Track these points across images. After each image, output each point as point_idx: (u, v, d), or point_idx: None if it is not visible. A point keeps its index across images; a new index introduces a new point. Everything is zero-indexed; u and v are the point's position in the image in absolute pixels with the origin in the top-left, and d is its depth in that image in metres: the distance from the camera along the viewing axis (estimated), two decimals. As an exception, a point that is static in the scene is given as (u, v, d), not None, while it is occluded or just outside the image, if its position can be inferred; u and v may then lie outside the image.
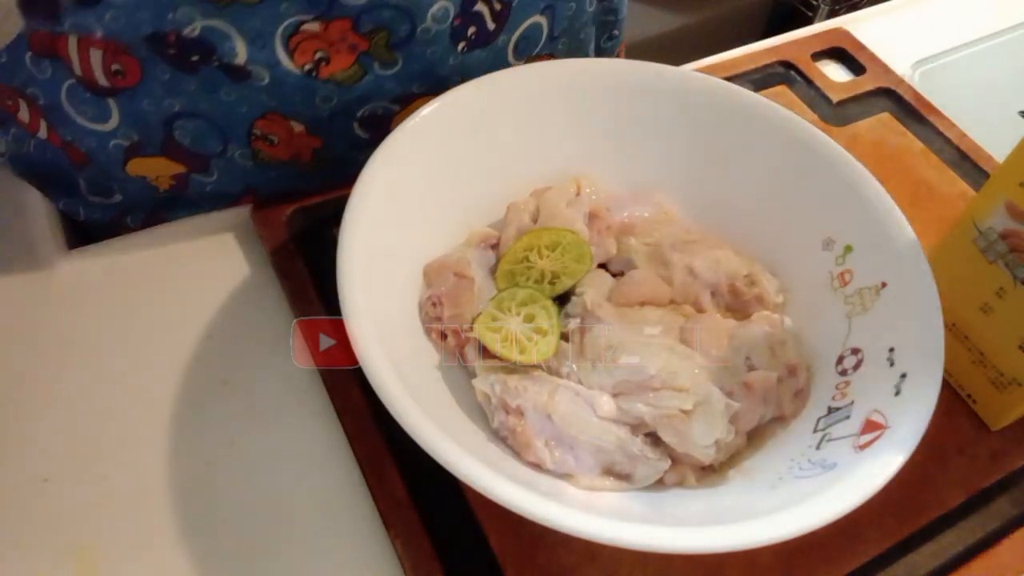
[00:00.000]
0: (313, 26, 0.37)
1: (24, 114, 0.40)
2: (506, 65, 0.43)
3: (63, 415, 0.37)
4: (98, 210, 0.45)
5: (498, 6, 0.41)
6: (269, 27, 0.36)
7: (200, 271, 0.43)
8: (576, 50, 0.50)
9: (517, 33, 0.43)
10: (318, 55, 0.38)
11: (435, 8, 0.38)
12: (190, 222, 0.45)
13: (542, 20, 0.44)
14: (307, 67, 0.38)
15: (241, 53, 0.37)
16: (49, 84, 0.38)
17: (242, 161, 0.42)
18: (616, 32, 0.54)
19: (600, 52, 0.55)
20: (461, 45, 0.41)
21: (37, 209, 0.45)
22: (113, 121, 0.39)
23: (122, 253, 0.43)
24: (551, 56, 0.48)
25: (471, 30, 0.41)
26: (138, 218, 0.46)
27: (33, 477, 0.35)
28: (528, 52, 0.46)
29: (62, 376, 0.39)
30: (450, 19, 0.39)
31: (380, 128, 0.36)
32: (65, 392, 0.38)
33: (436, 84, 0.42)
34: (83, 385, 0.38)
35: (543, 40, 0.46)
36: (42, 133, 0.40)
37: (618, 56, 0.57)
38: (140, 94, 0.38)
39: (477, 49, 0.42)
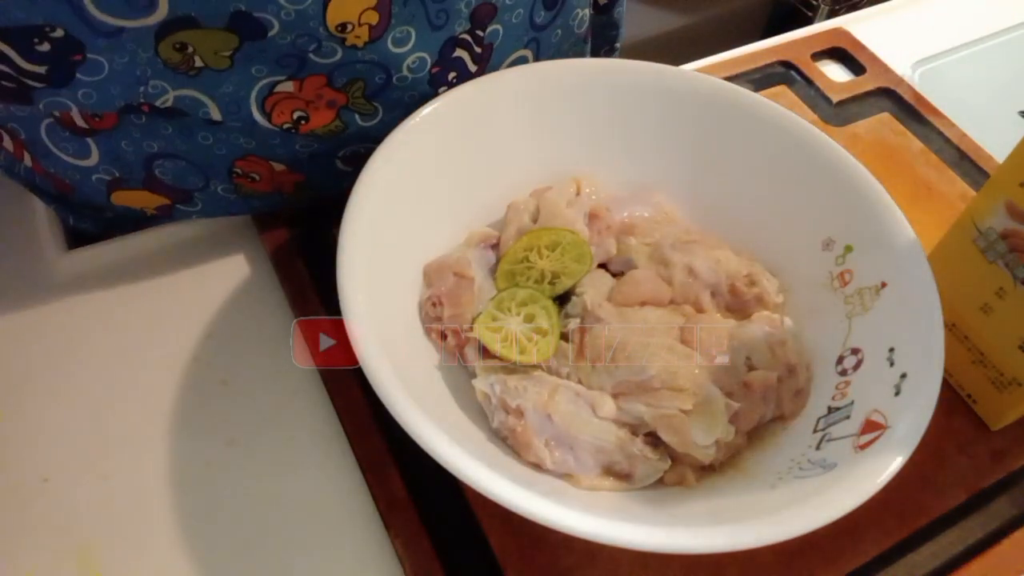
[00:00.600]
0: (287, 86, 0.36)
1: (8, 144, 0.40)
2: None
3: (63, 415, 0.37)
4: (88, 221, 0.45)
5: (479, 49, 0.40)
6: (242, 91, 0.36)
7: (200, 271, 0.43)
8: None
9: (502, 67, 0.43)
10: (296, 115, 0.37)
11: (410, 60, 0.37)
12: (190, 223, 0.45)
13: (527, 53, 0.43)
14: (286, 126, 0.38)
15: (216, 116, 0.36)
16: (27, 121, 0.37)
17: (225, 194, 0.42)
18: (617, 45, 0.54)
19: None
20: (442, 90, 0.40)
21: (37, 208, 0.45)
22: (93, 158, 0.38)
23: (122, 253, 0.44)
24: None
25: (452, 75, 0.40)
26: (127, 231, 0.45)
27: (33, 477, 0.35)
28: None
29: (62, 376, 0.39)
30: (427, 68, 0.38)
31: (363, 162, 0.36)
32: (65, 392, 0.38)
33: None
34: (83, 385, 0.38)
35: None
36: (27, 162, 0.40)
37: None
38: (117, 135, 0.37)
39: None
